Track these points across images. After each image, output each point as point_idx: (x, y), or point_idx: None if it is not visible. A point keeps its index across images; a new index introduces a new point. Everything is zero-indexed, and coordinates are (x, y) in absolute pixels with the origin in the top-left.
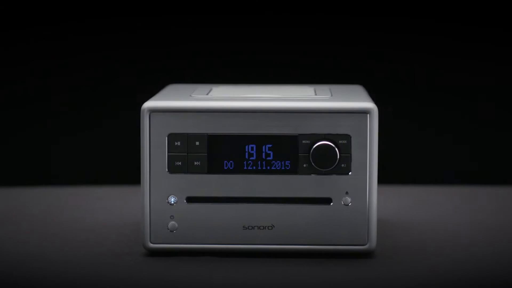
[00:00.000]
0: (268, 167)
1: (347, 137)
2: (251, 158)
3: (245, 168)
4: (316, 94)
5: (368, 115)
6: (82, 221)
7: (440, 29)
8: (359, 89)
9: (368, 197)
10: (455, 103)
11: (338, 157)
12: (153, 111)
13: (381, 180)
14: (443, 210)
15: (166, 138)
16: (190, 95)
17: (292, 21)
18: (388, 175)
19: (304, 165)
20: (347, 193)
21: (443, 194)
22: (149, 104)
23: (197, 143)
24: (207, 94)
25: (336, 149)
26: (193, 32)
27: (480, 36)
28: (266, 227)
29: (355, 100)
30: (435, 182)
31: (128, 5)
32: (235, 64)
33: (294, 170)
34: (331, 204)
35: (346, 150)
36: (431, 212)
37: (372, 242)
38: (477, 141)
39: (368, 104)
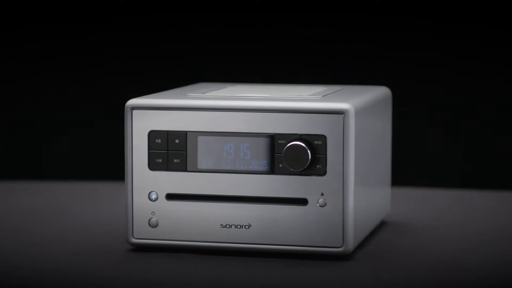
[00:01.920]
0: (246, 167)
1: (323, 137)
2: (229, 157)
3: (224, 167)
4: (312, 94)
5: (343, 115)
6: (73, 216)
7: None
8: (373, 91)
9: (343, 199)
10: (458, 104)
11: (309, 157)
12: (135, 108)
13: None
14: (434, 212)
15: (147, 135)
16: (186, 94)
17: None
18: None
19: (280, 165)
20: (322, 194)
21: (440, 195)
22: (132, 101)
23: (177, 141)
24: (203, 93)
25: (308, 150)
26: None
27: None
28: (243, 226)
29: (338, 101)
30: (433, 183)
31: (137, 3)
32: (291, 63)
33: (271, 170)
34: (307, 205)
35: (321, 151)
36: (422, 215)
37: (348, 244)
38: (478, 143)
39: (343, 104)
